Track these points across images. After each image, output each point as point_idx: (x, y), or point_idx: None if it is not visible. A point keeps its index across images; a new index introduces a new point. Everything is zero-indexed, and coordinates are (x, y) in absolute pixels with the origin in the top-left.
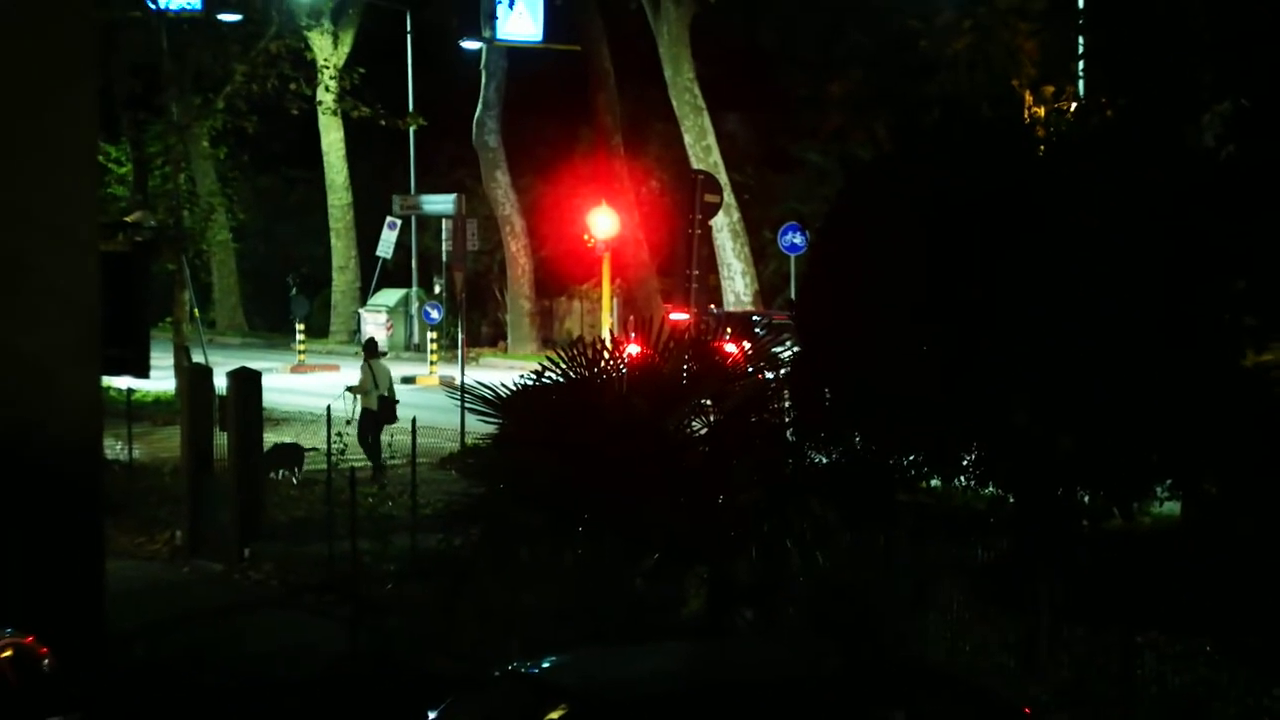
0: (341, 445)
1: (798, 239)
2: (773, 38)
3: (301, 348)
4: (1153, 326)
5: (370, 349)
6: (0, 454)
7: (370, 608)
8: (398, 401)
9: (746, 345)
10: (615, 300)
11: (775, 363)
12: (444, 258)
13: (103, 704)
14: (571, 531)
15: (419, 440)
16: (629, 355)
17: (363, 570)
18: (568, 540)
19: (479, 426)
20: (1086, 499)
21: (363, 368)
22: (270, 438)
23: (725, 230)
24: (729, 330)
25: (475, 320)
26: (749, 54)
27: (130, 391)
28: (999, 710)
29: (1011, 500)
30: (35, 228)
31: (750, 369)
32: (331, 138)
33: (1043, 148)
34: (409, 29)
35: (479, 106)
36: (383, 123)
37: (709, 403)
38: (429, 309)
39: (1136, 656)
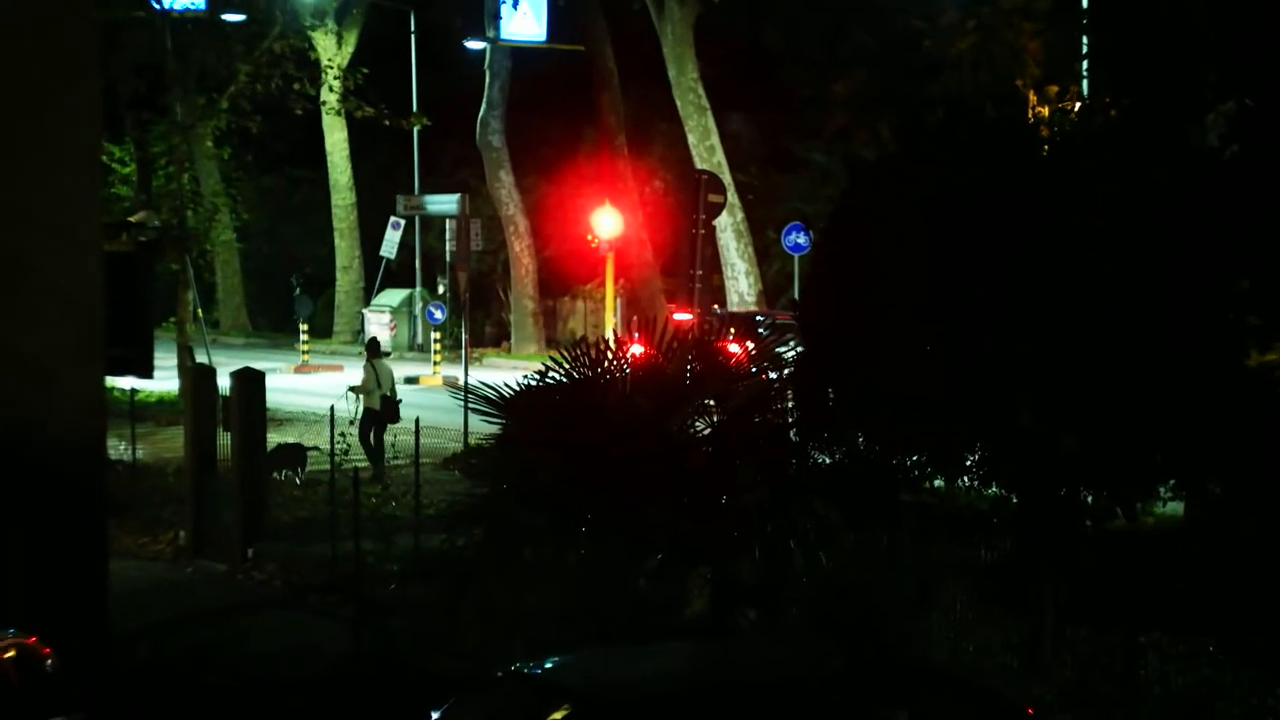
0: (345, 446)
1: (801, 239)
2: (777, 38)
3: (305, 348)
4: (1156, 326)
5: (373, 349)
6: (3, 454)
7: (374, 608)
8: (400, 401)
9: (750, 345)
10: (619, 300)
11: (779, 363)
12: (448, 258)
13: (106, 704)
14: (575, 532)
15: (422, 440)
16: (632, 355)
17: (366, 570)
18: (571, 540)
19: (482, 427)
20: (1090, 499)
21: (365, 367)
22: (274, 438)
23: (729, 230)
24: (732, 330)
25: (479, 320)
26: (753, 54)
27: (134, 391)
28: (1002, 710)
29: (1015, 500)
30: (36, 228)
31: (754, 369)
32: (335, 138)
33: (1047, 148)
34: (413, 29)
35: (483, 106)
36: (386, 123)
37: (712, 403)
38: (432, 309)
39: (1140, 657)
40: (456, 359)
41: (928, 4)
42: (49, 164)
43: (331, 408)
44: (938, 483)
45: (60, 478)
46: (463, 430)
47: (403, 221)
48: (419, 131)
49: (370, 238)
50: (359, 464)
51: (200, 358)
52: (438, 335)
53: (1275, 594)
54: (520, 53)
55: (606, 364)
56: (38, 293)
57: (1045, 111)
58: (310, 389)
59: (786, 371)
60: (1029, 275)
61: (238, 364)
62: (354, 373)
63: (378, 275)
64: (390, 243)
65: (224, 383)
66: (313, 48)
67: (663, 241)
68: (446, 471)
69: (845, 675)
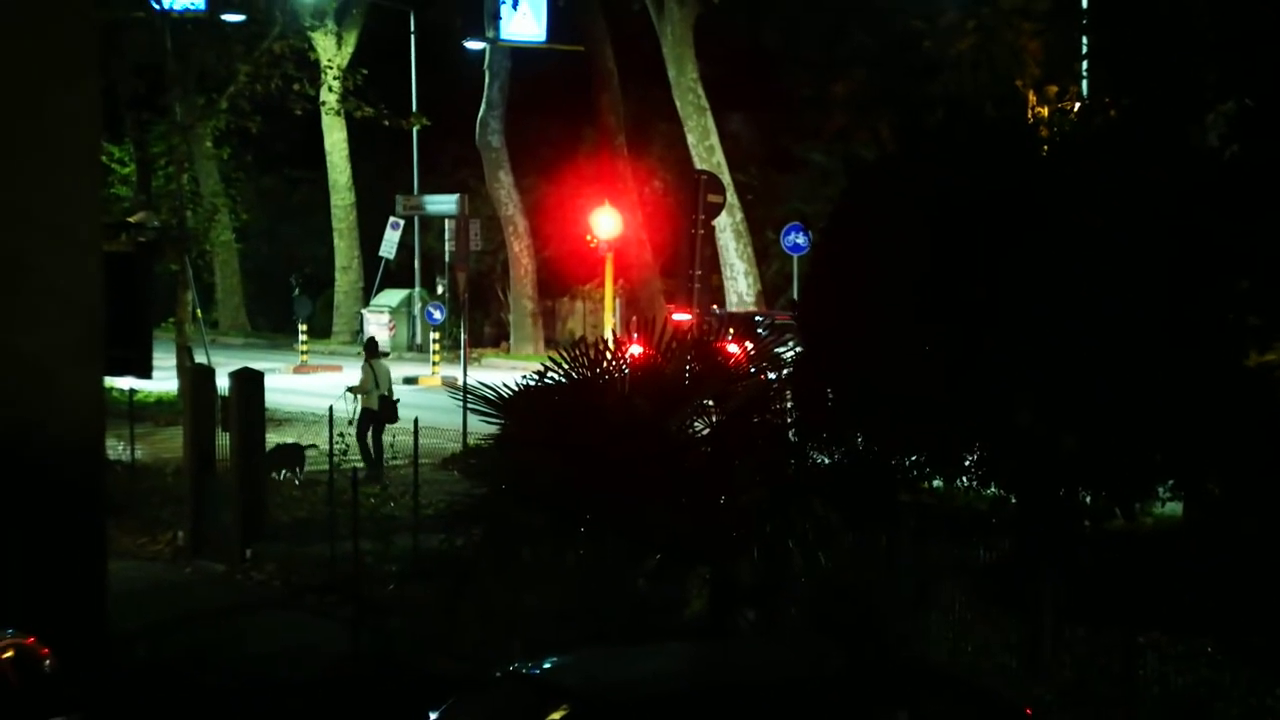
0: (343, 446)
1: (800, 239)
2: (776, 38)
3: (304, 348)
4: (1156, 326)
5: (371, 349)
6: (1, 454)
7: (372, 608)
8: (398, 401)
9: (749, 345)
10: (618, 300)
11: (778, 363)
12: (447, 258)
13: (105, 705)
14: (574, 532)
15: (421, 441)
16: (631, 356)
17: (365, 571)
18: (570, 541)
19: (481, 427)
20: (1089, 499)
21: (363, 368)
22: (273, 438)
23: (728, 230)
24: (731, 330)
25: (478, 320)
26: (752, 54)
27: (133, 392)
28: (1001, 711)
29: (1014, 500)
30: (36, 228)
31: (753, 369)
32: (335, 138)
33: (1046, 148)
34: (413, 29)
35: (482, 107)
36: (386, 123)
37: (711, 403)
38: (432, 309)
39: (1139, 657)
40: (455, 359)
41: (927, 4)
42: (49, 164)
43: (330, 408)
44: (937, 483)
45: (59, 478)
46: (461, 430)
47: (402, 222)
48: (418, 132)
49: (369, 238)
50: (358, 464)
51: (199, 358)
52: (436, 335)
53: (1274, 594)
54: (520, 53)
55: (605, 364)
56: (38, 293)
57: (1045, 112)
58: (309, 389)
59: (785, 372)
60: (1028, 275)
61: (237, 364)
62: (353, 373)
63: (377, 275)
64: (389, 243)
65: (223, 383)
66: (312, 48)
67: (662, 242)
68: (445, 472)
69: (844, 676)
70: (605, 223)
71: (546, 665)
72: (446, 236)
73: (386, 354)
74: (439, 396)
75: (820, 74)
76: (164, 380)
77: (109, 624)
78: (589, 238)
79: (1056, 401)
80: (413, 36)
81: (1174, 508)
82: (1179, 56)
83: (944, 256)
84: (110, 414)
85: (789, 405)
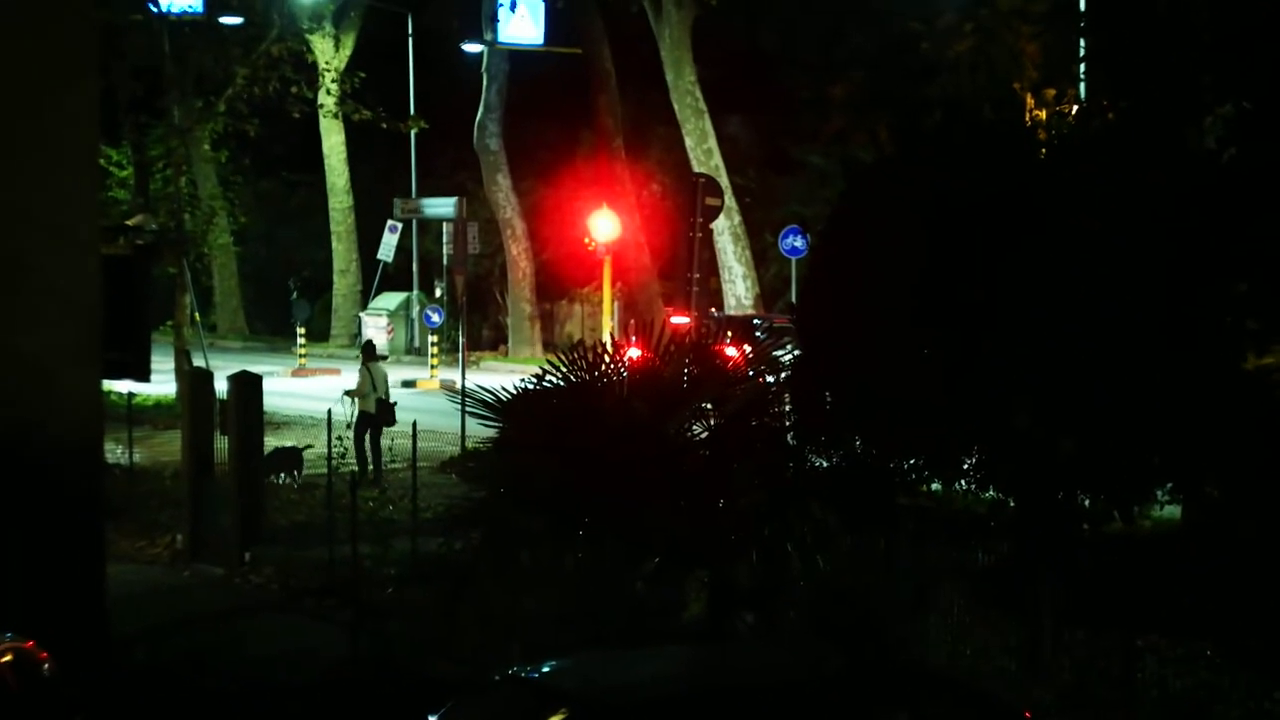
0: (341, 449)
1: (799, 242)
2: (774, 40)
3: (302, 351)
4: (1154, 329)
5: (368, 352)
6: (1, 454)
7: (371, 612)
8: (395, 404)
9: (747, 349)
10: (616, 304)
11: (776, 366)
12: (445, 261)
13: (104, 708)
14: (572, 535)
15: (420, 444)
16: (630, 359)
17: (363, 574)
18: (568, 544)
19: (479, 430)
20: (1087, 502)
21: (360, 371)
22: (271, 441)
23: (726, 233)
24: (730, 333)
25: (476, 324)
26: (750, 57)
27: (131, 395)
28: (1000, 713)
29: (1012, 503)
30: (35, 228)
31: (751, 372)
32: (332, 141)
33: (1044, 150)
34: (410, 32)
35: (480, 109)
36: (384, 126)
37: (710, 406)
38: (430, 312)
39: (1138, 660)
40: (454, 362)
41: (925, 6)
42: (49, 164)
43: (329, 411)
44: (935, 486)
45: (58, 479)
46: (460, 434)
47: (400, 225)
48: (416, 135)
49: (367, 241)
50: (356, 468)
51: (197, 361)
52: (435, 338)
53: (1273, 597)
54: (518, 56)
55: (604, 367)
56: (37, 293)
57: (1043, 114)
58: (308, 392)
59: (784, 375)
60: (1026, 278)
61: (235, 367)
62: (351, 376)
63: (375, 278)
64: (387, 246)
65: (221, 386)
66: (310, 51)
67: (660, 245)
68: (444, 475)
69: (843, 678)
70: (603, 226)
71: (545, 668)
72: (444, 239)
73: (385, 357)
74: (437, 400)
75: (818, 76)
76: (162, 384)
77: (108, 627)
78: (587, 241)
79: (1055, 404)
80: (410, 39)
81: (1172, 511)
82: (1177, 59)
83: (942, 259)
84: (109, 417)
85: (787, 408)
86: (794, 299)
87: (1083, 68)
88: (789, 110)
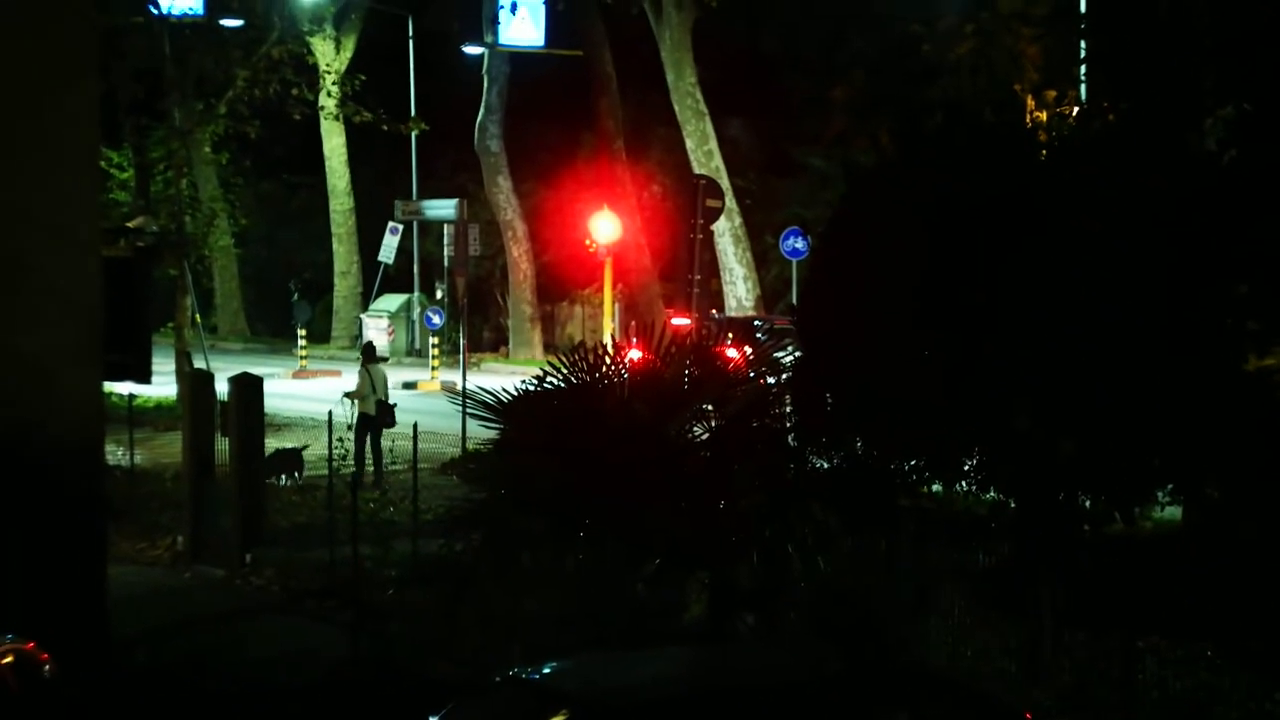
0: (342, 451)
1: (799, 244)
2: (775, 42)
3: (303, 353)
4: (1155, 331)
5: (368, 354)
6: (2, 454)
7: (371, 613)
8: (395, 406)
9: (748, 350)
10: (617, 305)
11: (777, 368)
12: (446, 263)
13: (104, 709)
14: (573, 537)
15: (420, 445)
16: (630, 360)
17: (364, 575)
18: (569, 545)
19: (480, 432)
20: (1088, 504)
21: (360, 372)
22: (272, 443)
23: (727, 235)
24: (730, 335)
25: (477, 325)
26: (751, 59)
27: (132, 397)
28: (1001, 715)
29: (1013, 505)
30: (35, 228)
31: (752, 374)
32: (333, 143)
33: (1045, 152)
34: (411, 34)
35: (481, 111)
36: (384, 128)
37: (710, 408)
38: (430, 314)
39: (1138, 661)
40: (454, 364)
41: (926, 9)
42: (49, 164)
43: (330, 413)
44: (936, 487)
45: (59, 479)
46: (461, 435)
47: (401, 226)
48: (417, 136)
49: (368, 243)
50: (356, 470)
51: (198, 363)
52: (436, 340)
53: (1273, 598)
54: (518, 58)
55: (604, 369)
56: (38, 293)
57: (1043, 116)
58: (308, 394)
59: (784, 377)
60: (1027, 280)
61: (236, 369)
62: (352, 378)
63: (376, 280)
64: (388, 248)
65: (222, 388)
66: (311, 53)
67: (661, 246)
68: (444, 476)
69: (843, 680)
70: (604, 227)
71: (546, 670)
72: (445, 241)
73: (385, 359)
74: (438, 401)
75: (819, 79)
76: (163, 385)
77: (109, 629)
78: (588, 242)
79: (1055, 406)
80: (411, 41)
81: (1173, 512)
82: (1178, 62)
83: (943, 261)
84: (109, 419)
85: (788, 410)
86: (795, 301)
87: (1083, 70)
88: (790, 112)
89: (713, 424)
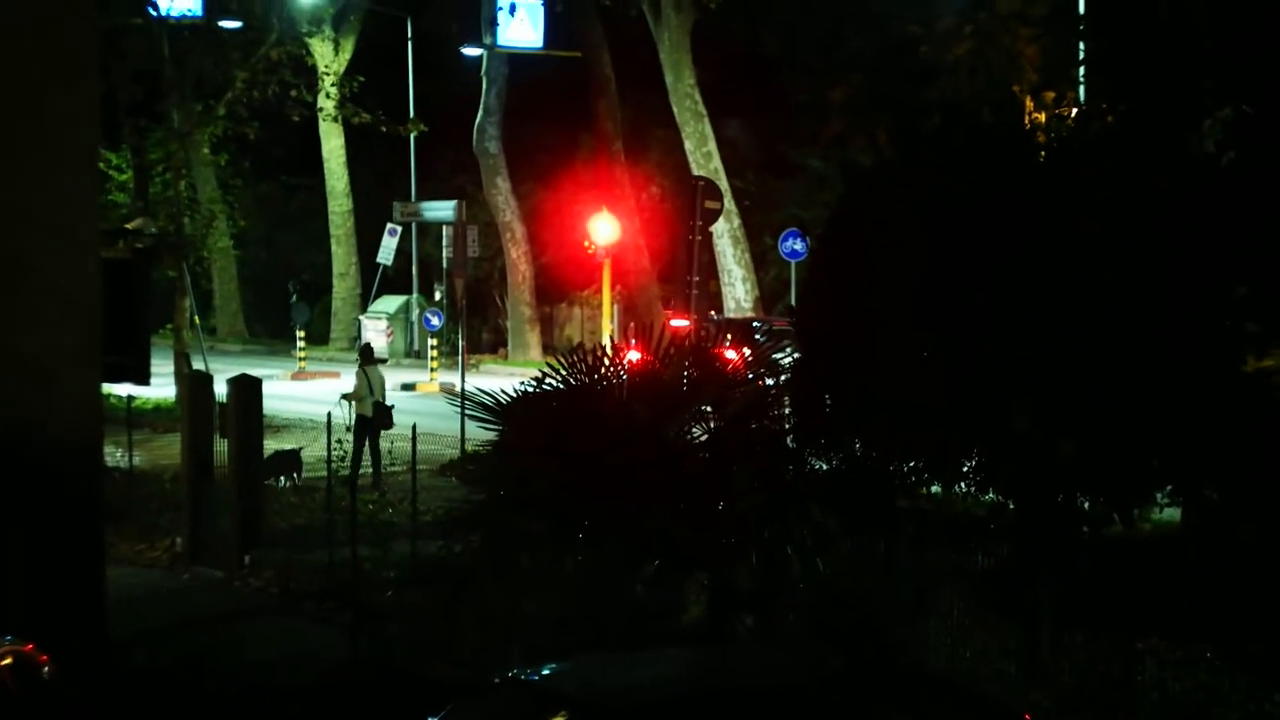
0: (341, 453)
1: (798, 245)
2: (773, 43)
3: (302, 354)
4: (1154, 332)
5: (365, 355)
6: (1, 454)
7: (370, 615)
8: (393, 407)
9: (747, 351)
10: (616, 307)
11: (776, 369)
12: (445, 264)
13: (103, 711)
14: (572, 538)
15: (419, 447)
16: (629, 362)
17: (363, 577)
18: (568, 547)
19: (479, 433)
20: (1087, 505)
21: (357, 374)
22: (271, 445)
23: (726, 236)
24: (729, 336)
25: (476, 327)
26: (750, 60)
27: (130, 398)
28: (1000, 716)
29: (1012, 506)
30: (35, 228)
31: (750, 375)
32: (332, 144)
33: (1044, 153)
34: (410, 35)
35: (479, 113)
36: (383, 129)
37: (709, 409)
38: (429, 315)
39: (1137, 663)
40: (453, 365)
41: (924, 9)
42: (49, 164)
43: (329, 414)
44: (935, 489)
45: (58, 479)
46: (460, 437)
47: (399, 228)
48: (416, 138)
49: (367, 244)
50: (353, 471)
51: (197, 364)
52: (434, 342)
53: (1272, 599)
54: (517, 59)
55: (603, 370)
56: (37, 293)
57: (1042, 117)
58: (307, 396)
59: (783, 378)
60: (1026, 281)
61: (235, 371)
62: (351, 379)
63: (374, 282)
64: (387, 249)
65: (221, 389)
66: (309, 54)
67: (659, 248)
68: (443, 478)
69: (843, 681)
70: (603, 229)
71: (545, 671)
72: (444, 243)
73: (384, 360)
74: (437, 403)
75: (817, 79)
76: (162, 387)
77: (107, 630)
78: (587, 244)
79: (1054, 407)
80: (409, 43)
81: (1172, 513)
82: (1177, 63)
83: (941, 262)
84: (108, 420)
85: (787, 411)
86: (793, 302)
87: (1082, 71)
88: (788, 113)
89: (711, 425)
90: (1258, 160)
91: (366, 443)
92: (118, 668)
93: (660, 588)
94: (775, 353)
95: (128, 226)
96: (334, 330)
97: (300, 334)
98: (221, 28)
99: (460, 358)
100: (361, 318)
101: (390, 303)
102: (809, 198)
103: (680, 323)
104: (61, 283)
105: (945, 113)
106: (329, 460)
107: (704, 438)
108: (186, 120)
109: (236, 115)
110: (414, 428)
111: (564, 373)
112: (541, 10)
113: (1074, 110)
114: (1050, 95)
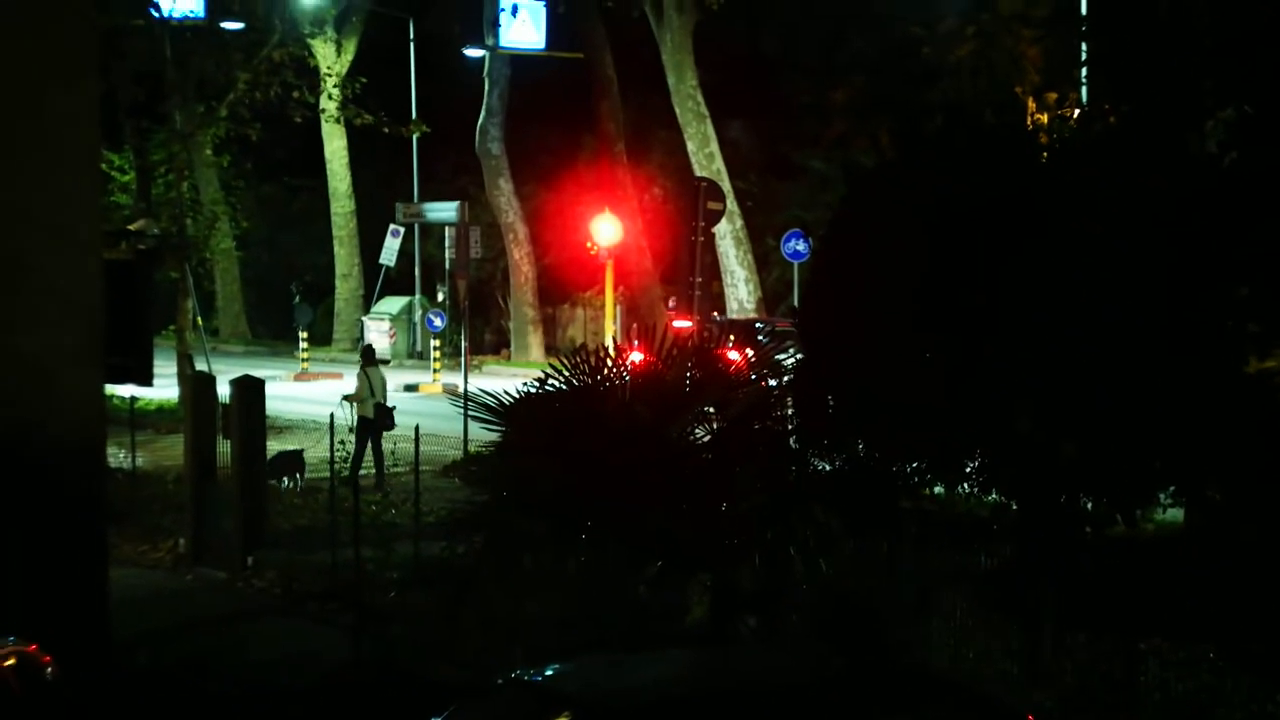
0: (344, 454)
1: (800, 246)
2: (775, 45)
3: (305, 355)
4: (1155, 333)
5: (367, 356)
6: (2, 455)
7: (373, 615)
8: (394, 408)
9: (749, 352)
10: (618, 308)
11: (778, 370)
12: (447, 265)
13: (106, 711)
14: (575, 539)
15: (422, 448)
16: (632, 363)
17: (366, 578)
18: (571, 548)
19: (482, 434)
20: (1089, 505)
21: (359, 375)
22: (273, 445)
23: (728, 237)
24: (732, 337)
25: (478, 328)
26: (752, 61)
27: (133, 399)
28: (1002, 717)
29: (1014, 507)
30: (36, 228)
31: (753, 376)
32: (334, 146)
33: (1046, 154)
34: (412, 37)
35: (482, 114)
36: (386, 130)
37: (712, 410)
38: (432, 316)
39: (1140, 663)
40: (456, 366)
41: (927, 10)
42: (49, 164)
43: (331, 415)
44: (937, 489)
45: (60, 480)
46: (462, 438)
47: (402, 229)
48: (418, 139)
49: (370, 245)
50: (360, 471)
51: (200, 365)
52: (437, 343)
53: (1275, 600)
54: (519, 60)
55: (606, 371)
56: (38, 293)
57: (1044, 118)
58: (310, 397)
59: (786, 379)
60: (1028, 282)
61: (237, 372)
62: (354, 380)
63: (377, 283)
64: (389, 250)
65: (224, 390)
66: (312, 55)
67: (662, 249)
68: (446, 479)
69: (845, 682)
70: (605, 230)
71: (548, 672)
72: (447, 244)
73: (386, 362)
74: (440, 404)
75: (819, 81)
76: (165, 388)
77: (110, 631)
78: (589, 245)
79: (1056, 408)
80: (412, 44)
81: (1175, 514)
82: (1178, 63)
83: (943, 263)
84: (111, 421)
85: (790, 412)
86: (796, 303)
87: (1084, 72)
88: (790, 115)
89: (714, 426)
90: (1259, 160)
91: (369, 444)
92: (120, 669)
93: (663, 588)
94: (778, 353)
95: (130, 228)
96: (337, 331)
97: (303, 335)
98: (224, 29)
99: (463, 359)
100: (364, 319)
101: (393, 304)
102: (811, 199)
103: (683, 324)
104: (62, 283)
105: (947, 114)
106: (332, 461)
107: (707, 438)
108: (189, 121)
109: (239, 116)
110: (417, 429)
111: (566, 374)
112: (543, 11)
113: (1076, 111)
114: (1052, 96)
